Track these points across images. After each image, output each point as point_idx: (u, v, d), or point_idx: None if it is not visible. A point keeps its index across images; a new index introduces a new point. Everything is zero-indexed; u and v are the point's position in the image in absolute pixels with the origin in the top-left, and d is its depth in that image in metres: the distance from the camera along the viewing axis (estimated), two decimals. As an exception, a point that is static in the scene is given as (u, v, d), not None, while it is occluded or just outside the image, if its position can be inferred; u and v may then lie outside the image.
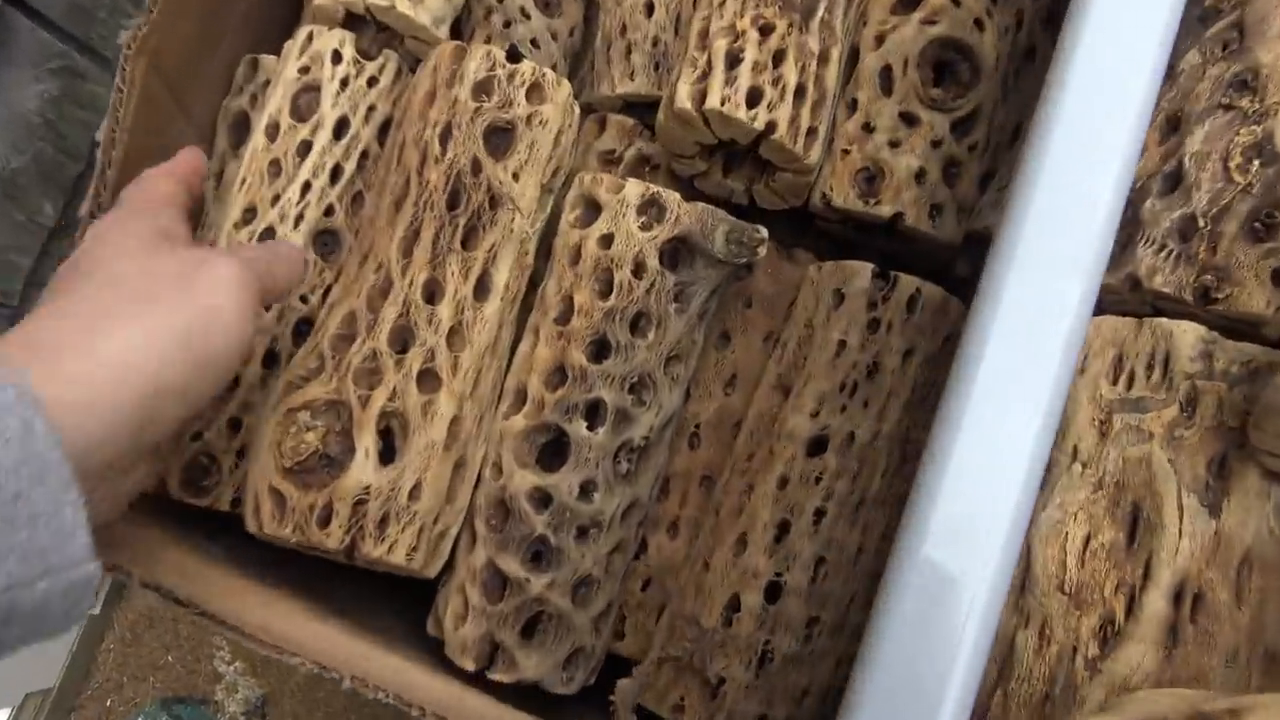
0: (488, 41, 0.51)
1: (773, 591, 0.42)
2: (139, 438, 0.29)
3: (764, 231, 0.42)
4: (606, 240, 0.42)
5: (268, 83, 0.48)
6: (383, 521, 0.39)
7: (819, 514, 0.42)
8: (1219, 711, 0.23)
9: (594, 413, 0.42)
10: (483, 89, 0.42)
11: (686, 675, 0.42)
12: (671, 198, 0.42)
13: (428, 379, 0.41)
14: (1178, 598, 0.30)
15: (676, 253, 0.43)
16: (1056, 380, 0.28)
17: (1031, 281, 0.29)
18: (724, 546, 0.43)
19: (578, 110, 0.45)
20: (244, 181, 0.44)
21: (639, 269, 0.42)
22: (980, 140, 0.46)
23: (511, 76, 0.42)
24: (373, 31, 0.47)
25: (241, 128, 0.49)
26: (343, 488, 0.38)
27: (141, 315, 0.29)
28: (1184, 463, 0.31)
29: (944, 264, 0.48)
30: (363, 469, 0.38)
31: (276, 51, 0.49)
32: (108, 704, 0.76)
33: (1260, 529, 0.30)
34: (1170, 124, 0.35)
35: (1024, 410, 0.29)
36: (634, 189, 0.42)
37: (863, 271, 0.44)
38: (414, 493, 0.39)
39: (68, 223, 0.70)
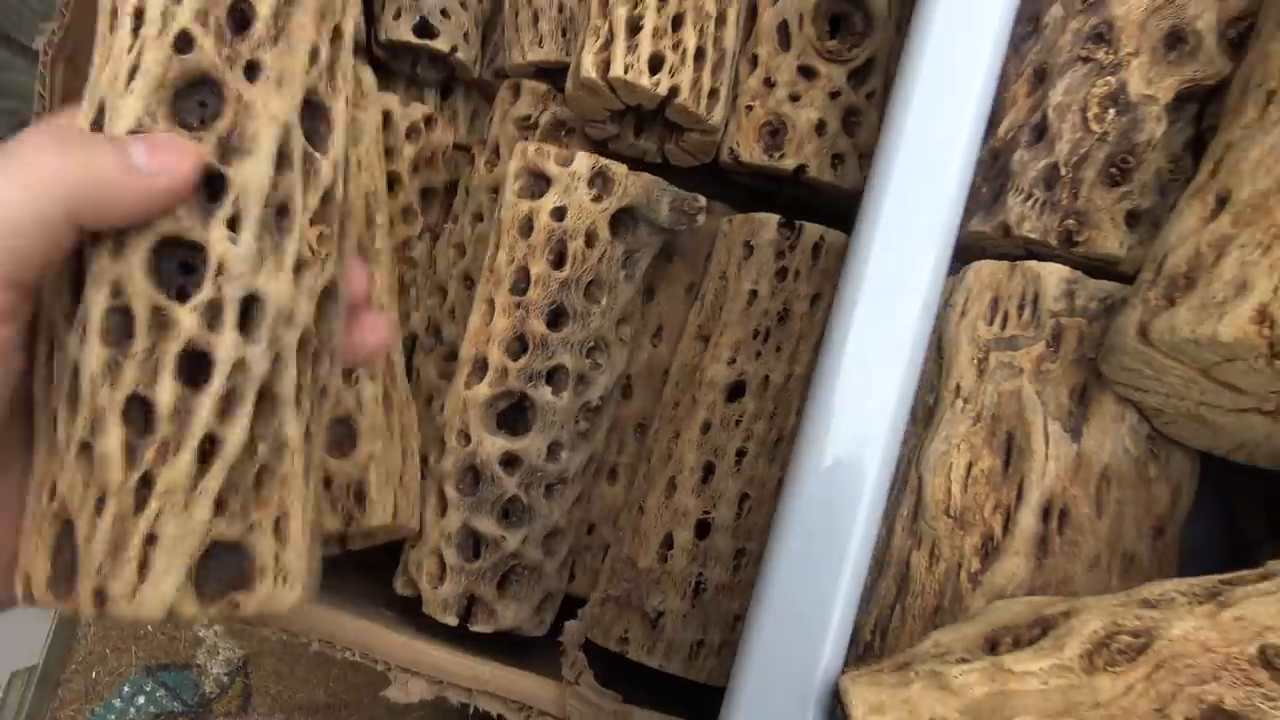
0: (397, 16, 0.52)
1: (702, 528, 0.45)
2: None
3: (703, 200, 0.45)
4: (559, 213, 0.44)
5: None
6: (359, 495, 0.42)
7: (740, 454, 0.45)
8: (1055, 614, 0.26)
9: (556, 378, 0.45)
10: None
11: (628, 611, 0.45)
12: (619, 170, 0.44)
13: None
14: (1046, 514, 0.34)
15: (621, 222, 0.45)
16: (916, 332, 0.32)
17: (892, 248, 0.32)
18: (656, 490, 0.47)
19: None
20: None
21: (591, 239, 0.44)
22: (877, 87, 0.49)
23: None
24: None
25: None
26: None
27: None
28: (1049, 393, 0.35)
29: (852, 207, 0.51)
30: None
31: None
32: (93, 676, 0.79)
33: (1116, 448, 0.34)
34: (1037, 76, 0.38)
35: (890, 356, 0.32)
36: (583, 162, 0.44)
37: (769, 223, 0.46)
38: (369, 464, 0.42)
39: None
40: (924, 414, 0.38)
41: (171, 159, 0.23)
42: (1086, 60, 0.37)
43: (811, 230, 0.46)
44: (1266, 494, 0.39)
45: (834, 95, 0.47)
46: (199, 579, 0.22)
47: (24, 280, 0.22)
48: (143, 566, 0.21)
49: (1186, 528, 0.37)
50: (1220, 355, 0.28)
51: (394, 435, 0.44)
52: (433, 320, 0.53)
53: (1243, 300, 0.27)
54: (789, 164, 0.47)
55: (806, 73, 0.47)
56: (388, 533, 0.45)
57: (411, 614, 0.46)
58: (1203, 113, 0.37)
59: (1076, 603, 0.27)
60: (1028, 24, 0.39)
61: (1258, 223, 0.28)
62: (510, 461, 0.45)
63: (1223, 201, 0.30)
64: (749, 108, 0.48)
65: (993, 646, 0.27)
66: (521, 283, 0.45)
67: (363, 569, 0.49)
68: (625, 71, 0.43)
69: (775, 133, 0.48)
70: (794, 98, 0.47)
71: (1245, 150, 0.30)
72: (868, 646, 0.36)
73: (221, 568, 0.22)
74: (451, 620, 0.45)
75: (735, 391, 0.46)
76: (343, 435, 0.42)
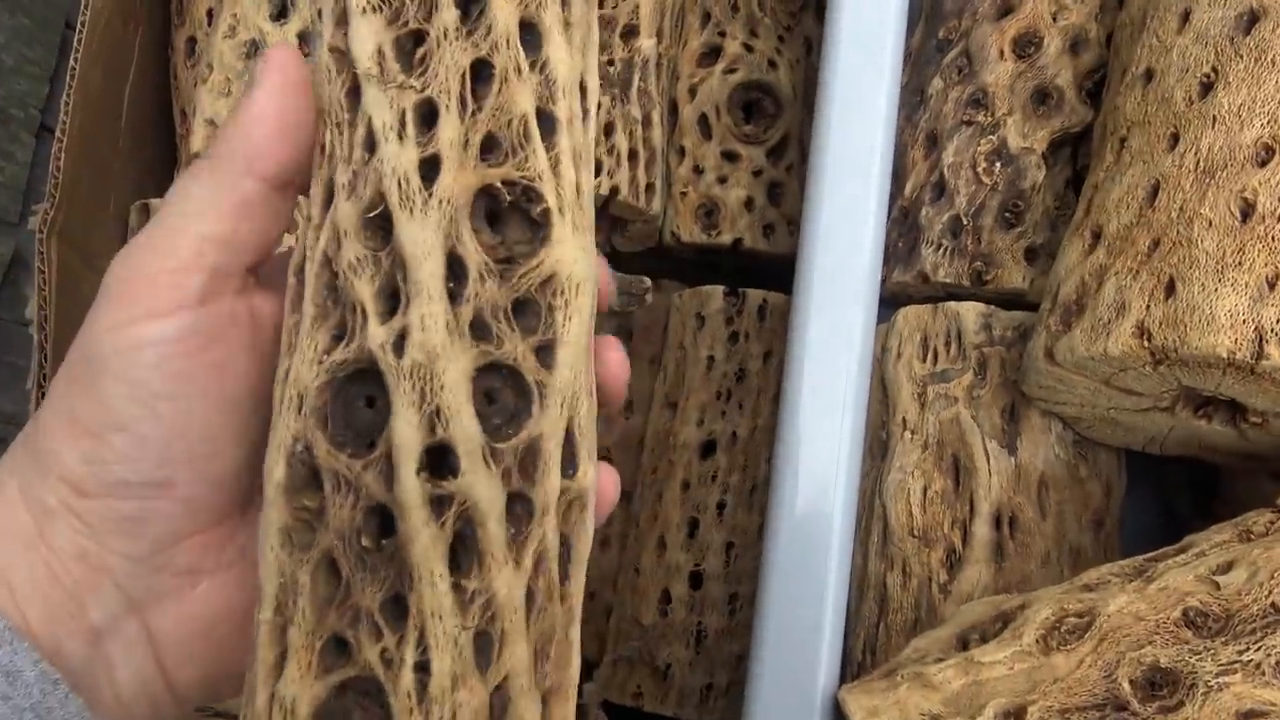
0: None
1: (695, 579, 0.49)
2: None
3: (649, 281, 0.49)
4: None
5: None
6: None
7: (720, 506, 0.50)
8: (1013, 608, 0.31)
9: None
10: None
11: (639, 667, 0.49)
12: None
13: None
14: (997, 523, 0.38)
15: None
16: (858, 380, 0.36)
17: (827, 314, 0.36)
18: (648, 550, 0.50)
19: None
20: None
21: None
22: (794, 160, 0.54)
23: None
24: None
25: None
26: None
27: None
28: (983, 416, 0.39)
29: (787, 267, 0.56)
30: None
31: (158, 192, 0.54)
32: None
33: (1049, 456, 0.39)
34: (930, 140, 0.43)
35: (837, 403, 0.37)
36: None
37: (715, 294, 0.51)
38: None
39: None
40: (878, 448, 0.42)
41: (274, 56, 0.22)
42: (969, 123, 0.42)
43: (754, 295, 0.51)
44: (1189, 478, 0.44)
45: (757, 173, 0.52)
46: None
47: (211, 279, 0.21)
48: None
49: (1130, 516, 0.41)
50: (1114, 367, 0.33)
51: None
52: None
53: (1123, 319, 0.32)
54: (726, 239, 0.52)
55: (729, 157, 0.52)
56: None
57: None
58: (1076, 153, 0.43)
59: (1029, 596, 0.31)
60: (914, 95, 0.44)
61: (1126, 252, 0.33)
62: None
63: (1097, 236, 0.35)
64: (683, 193, 0.53)
65: (964, 644, 0.31)
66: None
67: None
68: (569, 178, 0.48)
69: (710, 213, 0.53)
70: (722, 180, 0.52)
71: (1109, 190, 0.35)
72: (860, 665, 0.40)
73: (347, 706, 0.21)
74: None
75: (707, 450, 0.51)
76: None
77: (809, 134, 0.57)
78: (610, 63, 0.50)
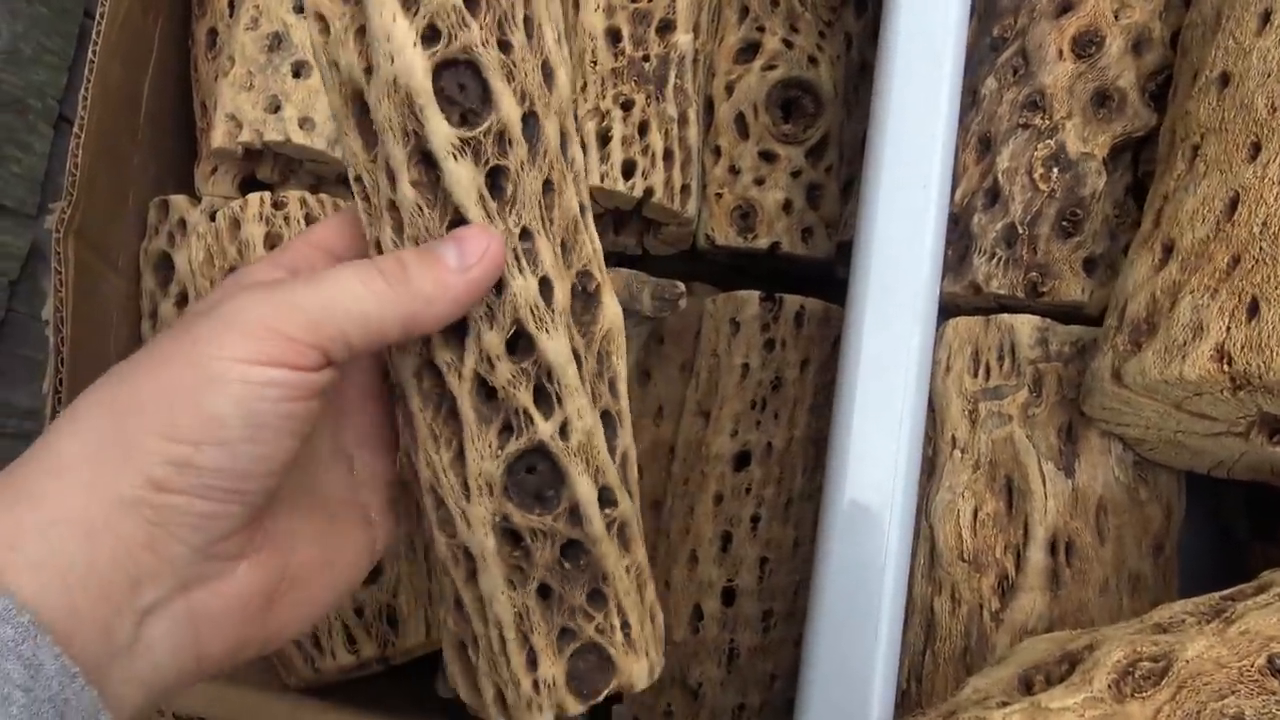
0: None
1: (728, 595, 0.47)
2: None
3: (682, 286, 0.48)
4: None
5: (182, 221, 0.51)
6: (391, 619, 0.44)
7: (755, 520, 0.48)
8: (1079, 649, 0.29)
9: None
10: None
11: (669, 685, 0.47)
12: None
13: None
14: (1053, 549, 0.36)
15: None
16: (916, 394, 0.34)
17: (883, 337, 0.35)
18: (679, 565, 0.49)
19: None
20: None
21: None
22: (834, 160, 0.52)
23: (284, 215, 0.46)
24: (271, 161, 0.50)
25: (165, 266, 0.52)
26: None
27: None
28: (1039, 436, 0.37)
29: (825, 271, 0.54)
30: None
31: (178, 188, 0.52)
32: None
33: (1108, 478, 0.37)
34: (983, 144, 0.41)
35: (894, 415, 0.35)
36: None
37: (751, 300, 0.49)
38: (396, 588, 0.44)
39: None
40: (925, 466, 0.40)
41: (480, 246, 0.24)
42: (1025, 127, 0.40)
43: (791, 301, 0.49)
44: (1248, 498, 0.42)
45: (795, 174, 0.51)
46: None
47: (340, 360, 0.24)
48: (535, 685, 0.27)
49: (1186, 539, 0.40)
50: (1189, 391, 0.31)
51: (418, 554, 0.46)
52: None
53: (1201, 341, 0.30)
54: (763, 243, 0.50)
55: (767, 157, 0.51)
56: (424, 647, 0.46)
57: (457, 715, 0.48)
58: (1137, 159, 0.40)
59: (1096, 634, 0.29)
60: (966, 96, 0.42)
61: (1202, 268, 0.31)
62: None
63: (1168, 250, 0.33)
64: (719, 195, 0.51)
65: (1028, 686, 0.29)
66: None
67: (400, 674, 0.50)
68: (601, 180, 0.46)
69: (746, 215, 0.51)
70: (759, 181, 0.50)
71: (1181, 201, 0.33)
72: (904, 694, 0.38)
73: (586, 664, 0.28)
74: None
75: (741, 461, 0.49)
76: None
77: (849, 133, 0.55)
78: (645, 58, 0.48)
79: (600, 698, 0.28)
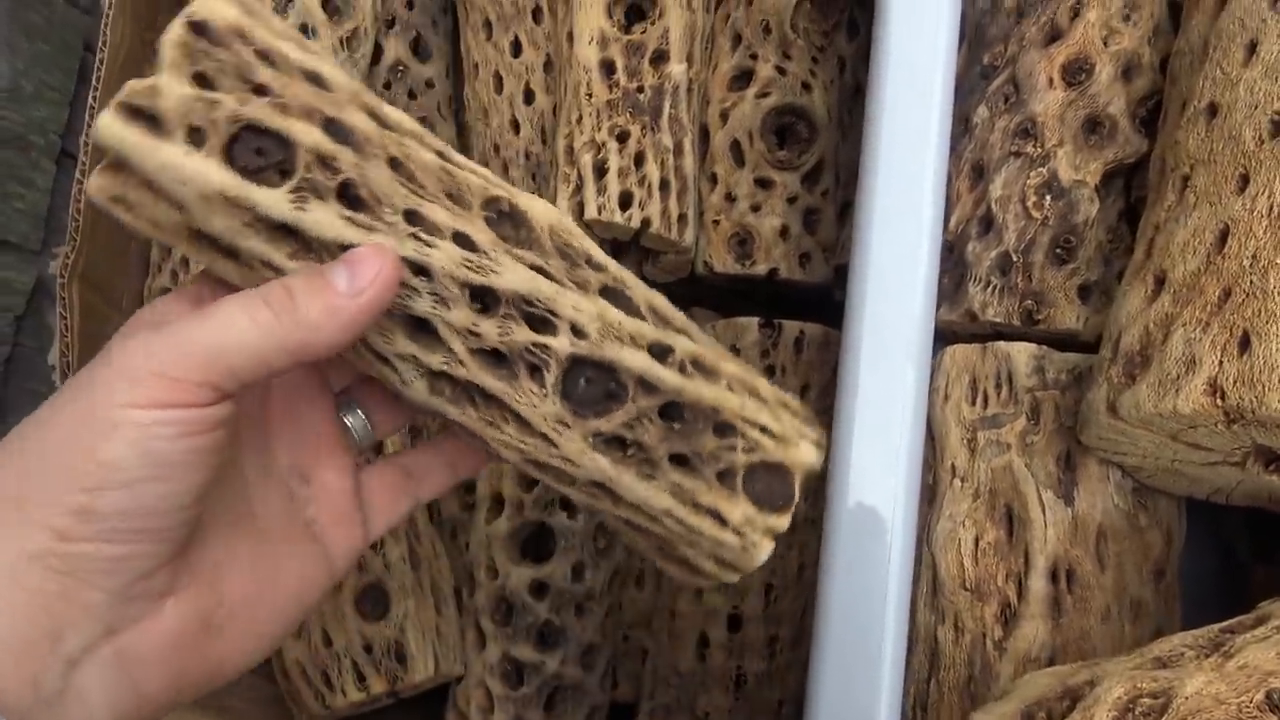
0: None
1: (734, 622, 0.48)
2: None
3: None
4: None
5: (185, 259, 0.51)
6: (400, 655, 0.44)
7: (759, 547, 0.48)
8: (1080, 684, 0.29)
9: (569, 502, 0.47)
10: None
11: (678, 714, 0.47)
12: None
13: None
14: (1054, 577, 0.37)
15: None
16: (914, 423, 0.35)
17: (879, 367, 0.35)
18: (684, 593, 0.49)
19: None
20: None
21: None
22: (830, 185, 0.52)
23: None
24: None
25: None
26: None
27: None
28: (1037, 464, 0.38)
29: (823, 295, 0.55)
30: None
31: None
32: None
33: (1107, 505, 0.37)
34: (975, 172, 0.42)
35: (892, 444, 0.36)
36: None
37: (750, 326, 0.50)
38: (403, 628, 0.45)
39: (3, 406, 0.72)
40: (925, 493, 0.41)
41: (372, 268, 0.24)
42: (1018, 155, 0.40)
43: (791, 327, 0.49)
44: (1248, 520, 0.42)
45: (791, 200, 0.51)
46: None
47: (235, 392, 0.24)
48: None
49: (1188, 561, 0.40)
50: (1183, 424, 0.31)
51: (425, 590, 0.46)
52: (445, 457, 0.55)
53: (1194, 376, 0.30)
54: (761, 269, 0.51)
55: (763, 184, 0.51)
56: (432, 681, 0.47)
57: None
58: (1129, 184, 0.41)
59: (1096, 669, 0.29)
60: (959, 124, 0.43)
61: (1194, 301, 0.31)
62: (539, 588, 0.47)
63: (1160, 281, 0.33)
64: (716, 222, 0.51)
65: (1030, 723, 0.29)
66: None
67: (408, 706, 0.51)
68: (599, 212, 0.47)
69: (743, 242, 0.51)
70: (755, 208, 0.51)
71: (1172, 233, 0.33)
72: (910, 721, 0.39)
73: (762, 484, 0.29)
74: (506, 747, 0.47)
75: (744, 488, 0.49)
76: (375, 599, 0.45)
77: (844, 157, 0.55)
78: (640, 89, 0.49)
79: (797, 494, 0.29)
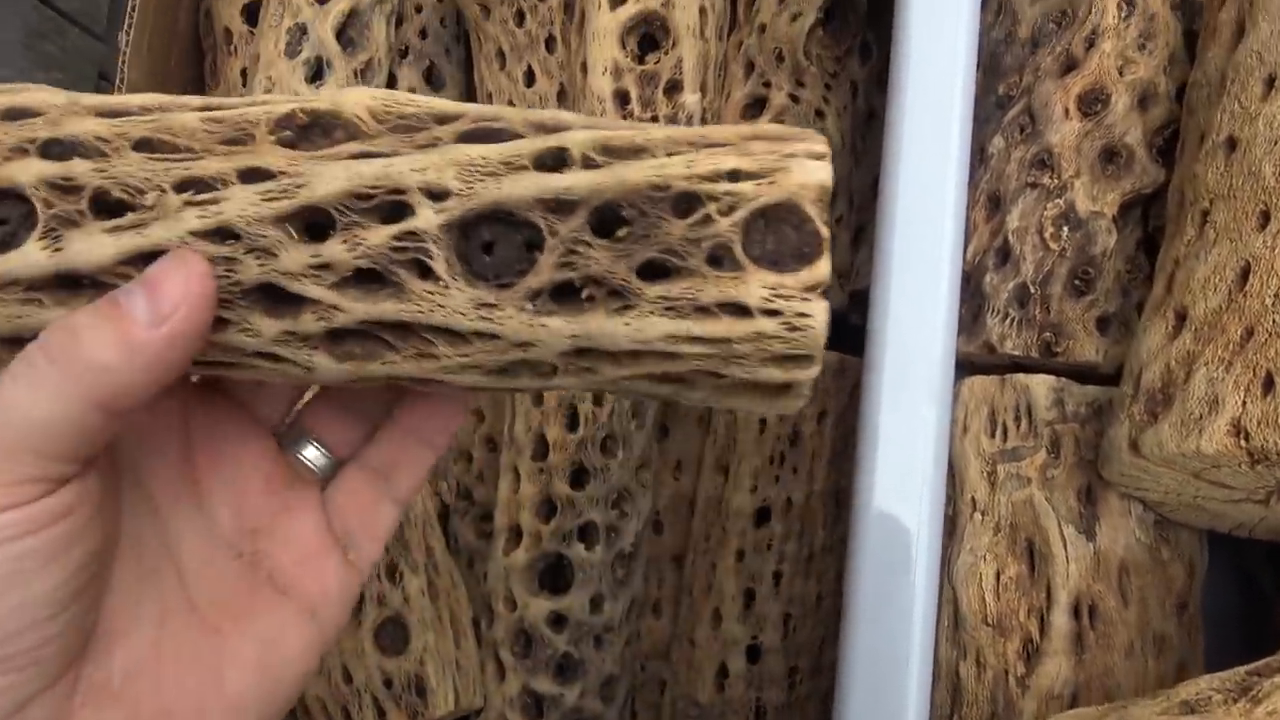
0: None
1: (753, 653, 0.48)
2: None
3: None
4: None
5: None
6: (420, 689, 0.44)
7: (777, 576, 0.48)
8: (1105, 731, 0.29)
9: (587, 534, 0.48)
10: None
11: (696, 745, 0.47)
12: None
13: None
14: (1076, 612, 0.36)
15: None
16: (935, 456, 0.35)
17: (900, 408, 0.35)
18: (703, 623, 0.49)
19: None
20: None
21: (599, 398, 0.47)
22: (844, 210, 0.52)
23: None
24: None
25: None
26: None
27: None
28: (1058, 498, 0.37)
29: (838, 320, 0.54)
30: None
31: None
32: None
33: (1129, 540, 0.37)
34: (992, 203, 0.41)
35: (914, 479, 0.35)
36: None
37: (768, 355, 0.50)
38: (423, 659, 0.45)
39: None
40: (946, 525, 0.40)
41: (178, 282, 0.20)
42: (1034, 186, 0.40)
43: (807, 355, 0.49)
44: (1270, 550, 0.42)
45: (806, 227, 0.51)
46: None
47: (70, 472, 0.20)
48: None
49: (1210, 592, 0.39)
50: (1207, 464, 0.31)
51: (444, 622, 0.46)
52: (461, 485, 0.56)
53: (1217, 416, 0.30)
54: (776, 297, 0.51)
55: (777, 211, 0.51)
56: (452, 715, 0.47)
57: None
58: (1147, 214, 0.41)
59: (1123, 712, 0.29)
60: (975, 154, 0.43)
61: (1216, 340, 0.31)
62: (557, 620, 0.47)
63: (1181, 318, 0.33)
64: (730, 250, 0.51)
65: (1056, 769, 0.29)
66: (541, 449, 0.48)
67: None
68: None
69: (758, 270, 0.51)
70: (770, 235, 0.51)
71: (1192, 269, 0.33)
72: (933, 756, 0.38)
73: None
74: (527, 780, 0.47)
75: (762, 517, 0.49)
76: (394, 634, 0.45)
77: (858, 182, 0.55)
78: (654, 119, 0.49)
79: (819, 225, 0.21)
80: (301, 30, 0.50)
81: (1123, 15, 0.40)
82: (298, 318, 0.22)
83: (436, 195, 0.21)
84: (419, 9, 0.56)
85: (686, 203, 0.21)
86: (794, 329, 0.21)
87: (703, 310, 0.21)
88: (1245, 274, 0.31)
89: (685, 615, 0.51)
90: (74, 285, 0.22)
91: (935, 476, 0.36)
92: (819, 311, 0.21)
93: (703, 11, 0.50)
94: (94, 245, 0.21)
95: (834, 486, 0.49)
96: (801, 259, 0.21)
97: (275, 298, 0.22)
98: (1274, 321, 0.30)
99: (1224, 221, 0.33)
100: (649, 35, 0.50)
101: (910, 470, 0.36)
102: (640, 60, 0.49)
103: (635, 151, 0.21)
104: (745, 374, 0.22)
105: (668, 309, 0.21)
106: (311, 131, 0.22)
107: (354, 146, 0.22)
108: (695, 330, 0.21)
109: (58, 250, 0.21)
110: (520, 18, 0.52)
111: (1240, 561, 0.43)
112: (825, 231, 0.21)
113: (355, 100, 0.22)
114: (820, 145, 0.22)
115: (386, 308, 0.21)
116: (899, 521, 0.36)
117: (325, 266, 0.21)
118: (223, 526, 0.25)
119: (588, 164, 0.21)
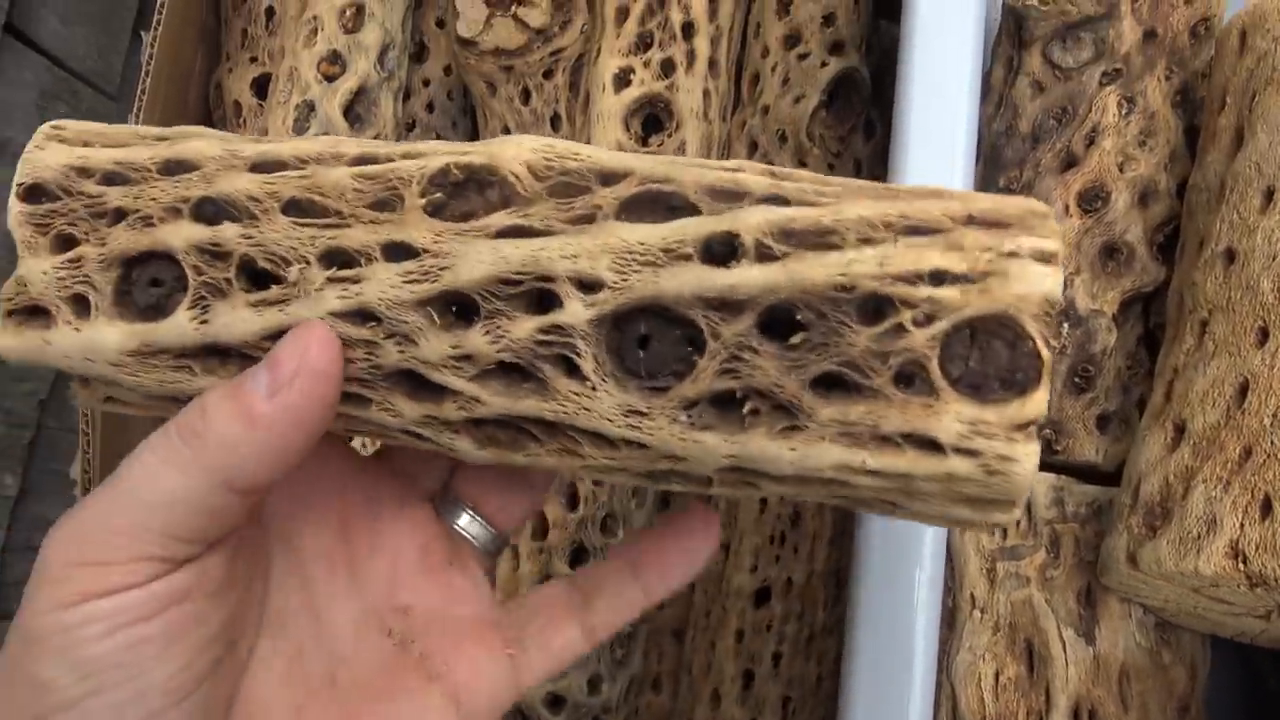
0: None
1: (752, 736, 0.47)
2: None
3: None
4: None
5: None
6: None
7: (776, 657, 0.48)
8: None
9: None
10: None
11: (694, 830, 0.47)
12: None
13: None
14: (1076, 716, 0.36)
15: None
16: (934, 548, 0.35)
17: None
18: (702, 703, 0.49)
19: None
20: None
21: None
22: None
23: None
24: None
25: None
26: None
27: None
28: (1058, 600, 0.37)
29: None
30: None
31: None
32: None
33: (1129, 644, 0.37)
34: (992, 295, 0.42)
35: (911, 571, 0.35)
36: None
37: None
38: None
39: (29, 487, 0.73)
40: (944, 618, 0.40)
41: (293, 353, 0.20)
42: (1035, 281, 0.40)
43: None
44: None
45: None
46: None
47: (193, 553, 0.20)
48: None
49: (1214, 692, 0.39)
50: (1204, 583, 0.31)
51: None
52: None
53: (1215, 537, 0.30)
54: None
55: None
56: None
57: None
58: (1148, 309, 0.41)
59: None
60: (975, 244, 0.43)
61: (1214, 456, 0.31)
62: (555, 702, 0.47)
63: (1180, 430, 0.33)
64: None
65: None
66: (540, 528, 0.48)
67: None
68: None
69: (760, 348, 0.51)
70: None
71: (1191, 379, 0.33)
72: None
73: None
74: None
75: (762, 597, 0.49)
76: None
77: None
78: (656, 199, 0.49)
79: (1039, 344, 0.18)
80: (309, 107, 0.50)
81: (1123, 113, 0.40)
82: (440, 405, 0.21)
83: (588, 286, 0.19)
84: (426, 83, 0.56)
85: (875, 307, 0.18)
86: (993, 473, 0.18)
87: (883, 440, 0.18)
88: (1244, 391, 0.31)
89: (685, 694, 0.50)
90: (222, 355, 0.22)
91: (933, 568, 0.36)
92: (1028, 456, 0.18)
93: (706, 94, 0.50)
94: (238, 320, 0.21)
95: (835, 567, 0.49)
96: (1011, 386, 0.18)
97: (417, 383, 0.21)
98: (1272, 443, 0.30)
99: (1223, 334, 0.33)
100: (653, 116, 0.50)
101: (908, 559, 0.36)
102: (644, 142, 0.50)
103: (820, 235, 0.18)
104: (926, 509, 0.20)
105: (842, 434, 0.18)
106: (466, 189, 0.21)
107: (503, 218, 0.20)
108: (872, 464, 0.18)
109: (204, 323, 0.21)
110: (526, 96, 0.53)
111: (1245, 661, 0.42)
112: (1047, 354, 0.18)
113: (514, 155, 0.20)
114: (1051, 243, 0.18)
115: (529, 405, 0.20)
116: (897, 613, 0.36)
117: (466, 358, 0.20)
118: (375, 599, 0.24)
119: (762, 253, 0.18)
